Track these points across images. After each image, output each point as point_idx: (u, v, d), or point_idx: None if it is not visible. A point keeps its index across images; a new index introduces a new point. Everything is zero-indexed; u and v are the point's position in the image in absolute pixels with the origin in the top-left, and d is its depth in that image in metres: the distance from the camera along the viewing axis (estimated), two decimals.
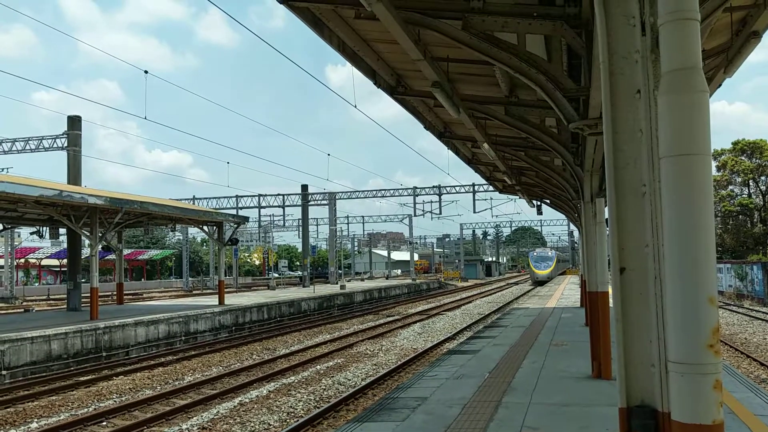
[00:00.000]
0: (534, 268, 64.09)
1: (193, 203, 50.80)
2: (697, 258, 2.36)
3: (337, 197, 53.65)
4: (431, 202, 54.43)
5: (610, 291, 2.89)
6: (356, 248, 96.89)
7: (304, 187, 53.83)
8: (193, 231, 64.28)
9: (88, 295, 22.00)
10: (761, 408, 7.77)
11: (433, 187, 52.40)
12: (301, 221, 57.92)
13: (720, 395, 2.37)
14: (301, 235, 57.97)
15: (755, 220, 51.83)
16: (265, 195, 54.79)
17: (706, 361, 2.35)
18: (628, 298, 2.79)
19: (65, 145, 29.36)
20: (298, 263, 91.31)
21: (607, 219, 3.42)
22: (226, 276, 39.25)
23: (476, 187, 49.56)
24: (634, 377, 2.76)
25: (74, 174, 28.41)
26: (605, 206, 9.29)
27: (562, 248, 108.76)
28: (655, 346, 2.69)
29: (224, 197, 53.94)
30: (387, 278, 73.77)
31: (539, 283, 59.77)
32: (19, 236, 48.86)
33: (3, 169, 38.10)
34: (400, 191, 53.56)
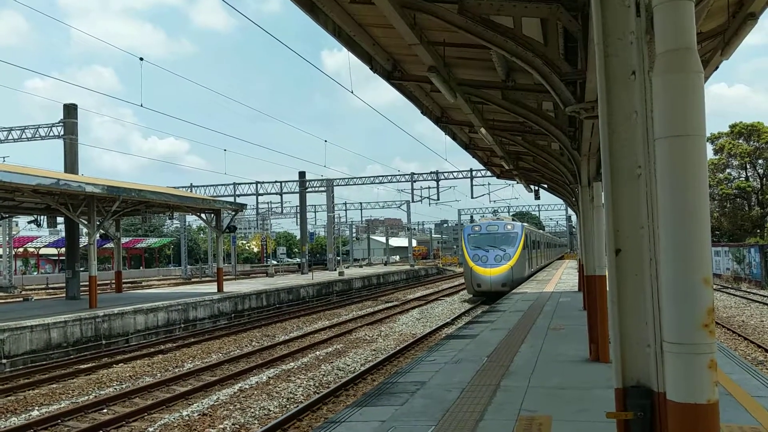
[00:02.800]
0: (472, 263, 29.84)
1: (191, 191, 50.73)
2: (691, 239, 2.37)
3: (334, 184, 53.60)
4: (429, 188, 54.47)
5: (607, 274, 2.90)
6: (354, 235, 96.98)
7: (302, 174, 53.76)
8: (190, 219, 64.30)
9: (87, 283, 22.02)
10: (758, 389, 7.82)
11: (431, 172, 52.42)
12: (299, 208, 57.89)
13: (715, 374, 2.38)
14: (299, 222, 57.99)
15: (753, 203, 51.88)
16: (263, 182, 54.77)
17: (700, 341, 2.36)
18: (624, 279, 2.80)
19: (62, 133, 29.28)
20: (296, 250, 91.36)
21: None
22: (224, 263, 39.28)
23: (474, 173, 49.55)
24: (629, 358, 2.77)
25: (71, 162, 28.34)
26: (602, 190, 9.29)
27: (559, 233, 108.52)
28: (651, 326, 2.70)
29: (222, 185, 53.87)
30: (385, 264, 73.91)
31: (484, 296, 29.35)
32: (16, 225, 48.79)
33: None
34: (398, 177, 53.53)
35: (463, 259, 31.61)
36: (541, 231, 57.68)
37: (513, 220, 35.45)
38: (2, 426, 10.39)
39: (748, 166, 52.20)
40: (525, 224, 34.29)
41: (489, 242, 30.28)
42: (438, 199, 54.42)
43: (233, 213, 31.14)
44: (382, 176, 53.92)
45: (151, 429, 10.09)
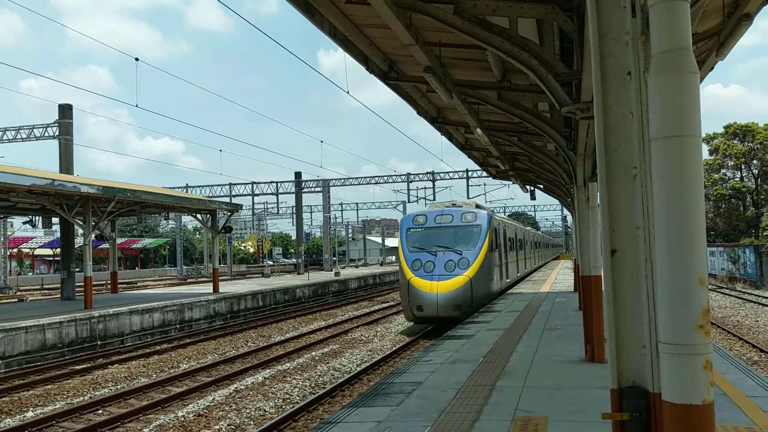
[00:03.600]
0: (411, 273, 20.00)
1: (186, 191, 50.65)
2: (687, 239, 2.37)
3: (330, 184, 53.60)
4: (425, 188, 54.60)
5: (603, 274, 2.91)
6: (350, 235, 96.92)
7: (298, 175, 53.77)
8: (186, 219, 64.25)
9: (82, 284, 21.96)
10: (753, 389, 7.84)
11: (427, 173, 52.52)
12: (294, 209, 57.89)
13: (710, 375, 2.38)
14: (295, 222, 57.99)
15: (747, 203, 52.07)
16: (259, 182, 54.91)
17: (695, 342, 2.36)
18: (620, 279, 2.80)
19: (56, 133, 29.21)
20: (292, 251, 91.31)
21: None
22: (220, 264, 39.22)
23: (470, 173, 49.65)
24: (625, 358, 2.77)
25: (66, 163, 28.27)
26: (598, 190, 9.23)
27: (554, 233, 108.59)
28: (646, 327, 2.70)
29: (217, 185, 53.92)
30: (381, 265, 73.86)
31: (429, 323, 20.18)
32: (11, 226, 48.64)
33: None
34: (394, 178, 53.56)
35: (400, 265, 20.88)
36: (528, 228, 44.34)
37: (477, 207, 23.18)
38: None
39: (742, 167, 52.39)
40: (507, 217, 22.58)
41: (437, 240, 20.44)
42: (434, 200, 54.38)
43: (229, 213, 31.12)
44: (378, 177, 53.98)
45: (146, 430, 10.06)
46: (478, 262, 19.93)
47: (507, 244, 25.75)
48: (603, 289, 2.89)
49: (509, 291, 26.09)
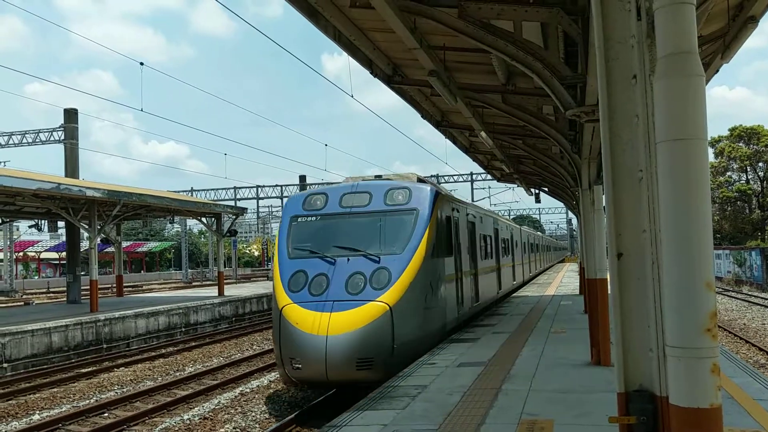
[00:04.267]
0: (287, 297, 10.58)
1: (192, 195, 50.77)
2: (693, 242, 2.37)
3: None
4: None
5: (609, 278, 2.90)
6: None
7: (302, 178, 53.87)
8: (191, 222, 64.38)
9: (88, 287, 22.01)
10: (760, 392, 7.80)
11: (431, 176, 52.37)
12: None
13: (717, 379, 2.38)
14: None
15: (753, 206, 51.90)
16: (263, 186, 55.00)
17: (703, 345, 2.36)
18: (626, 283, 2.80)
19: (62, 138, 29.32)
20: None
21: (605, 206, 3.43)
22: (225, 267, 39.26)
23: (474, 176, 49.65)
24: (632, 362, 2.77)
25: (72, 167, 28.36)
26: (603, 193, 9.18)
27: (560, 236, 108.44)
28: (653, 330, 2.70)
29: (222, 188, 54.19)
30: None
31: (315, 387, 11.36)
32: (17, 229, 48.84)
33: (0, 163, 38.07)
34: None
35: (272, 282, 11.72)
36: (524, 228, 36.09)
37: (420, 181, 13.53)
38: (4, 430, 10.38)
39: (748, 169, 52.23)
40: (438, 191, 12.82)
41: (340, 237, 11.71)
42: None
43: (234, 217, 31.16)
44: None
45: None
46: (409, 275, 11.06)
47: (479, 245, 17.37)
48: (609, 292, 2.88)
49: (513, 294, 25.90)
